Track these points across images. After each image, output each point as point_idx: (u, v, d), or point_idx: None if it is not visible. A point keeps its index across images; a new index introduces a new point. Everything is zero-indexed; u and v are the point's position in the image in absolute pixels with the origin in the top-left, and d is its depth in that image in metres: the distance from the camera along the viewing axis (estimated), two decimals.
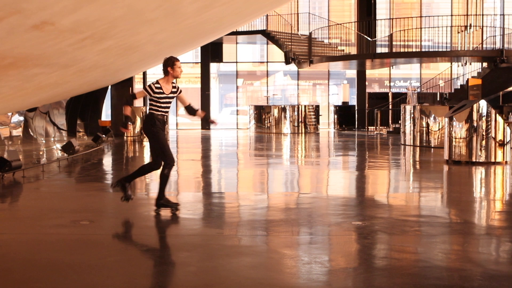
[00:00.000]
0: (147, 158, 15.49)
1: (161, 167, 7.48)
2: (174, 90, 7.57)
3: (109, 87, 24.33)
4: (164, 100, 7.46)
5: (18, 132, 19.16)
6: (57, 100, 20.18)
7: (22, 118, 19.33)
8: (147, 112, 7.58)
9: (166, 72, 7.49)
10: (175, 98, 7.65)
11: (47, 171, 12.06)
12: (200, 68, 29.58)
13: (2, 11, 5.62)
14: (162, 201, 7.55)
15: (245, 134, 25.48)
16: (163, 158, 7.45)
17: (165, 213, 7.68)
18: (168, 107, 7.56)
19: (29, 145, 18.61)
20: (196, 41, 15.54)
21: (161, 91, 7.43)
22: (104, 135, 19.83)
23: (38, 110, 20.31)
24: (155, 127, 7.42)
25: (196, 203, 8.63)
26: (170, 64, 7.46)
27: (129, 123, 7.67)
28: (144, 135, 7.59)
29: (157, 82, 7.47)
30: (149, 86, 7.44)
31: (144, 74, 28.45)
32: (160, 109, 7.46)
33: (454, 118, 12.78)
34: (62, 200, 8.99)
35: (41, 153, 16.99)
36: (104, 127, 22.46)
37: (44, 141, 20.34)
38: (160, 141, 7.44)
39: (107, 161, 14.94)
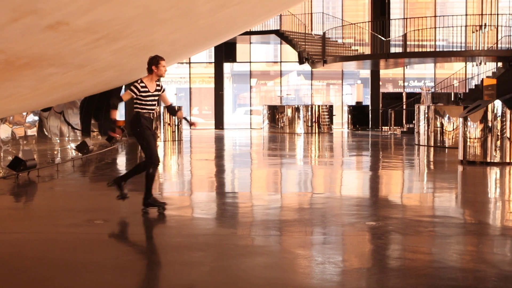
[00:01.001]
0: (160, 157, 15.51)
1: (147, 167, 7.51)
2: (158, 88, 7.62)
3: (123, 86, 24.39)
4: (149, 98, 7.51)
5: (33, 131, 19.25)
6: (71, 100, 20.25)
7: (36, 118, 19.43)
8: (134, 112, 7.57)
9: (150, 71, 7.52)
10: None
11: (61, 170, 12.11)
12: (213, 68, 29.60)
13: (17, 12, 5.65)
14: (149, 200, 7.57)
15: (258, 134, 25.48)
16: (146, 157, 7.49)
17: (178, 212, 7.70)
18: (154, 105, 7.60)
19: (44, 145, 18.70)
20: (210, 41, 15.55)
21: (147, 89, 7.46)
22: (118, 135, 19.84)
23: (53, 110, 20.40)
24: (140, 126, 7.45)
25: (209, 203, 8.64)
26: (154, 63, 7.49)
27: (117, 127, 7.66)
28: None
29: (142, 81, 7.47)
30: (134, 86, 7.43)
31: None
32: (146, 107, 7.48)
33: (468, 118, 12.71)
34: (76, 199, 9.04)
35: (55, 152, 17.07)
36: (118, 126, 22.49)
37: (58, 141, 20.44)
38: (146, 140, 7.47)
39: (121, 161, 15.00)
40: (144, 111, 7.48)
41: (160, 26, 9.12)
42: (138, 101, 7.48)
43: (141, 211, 7.48)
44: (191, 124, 8.16)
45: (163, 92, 7.72)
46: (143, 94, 7.44)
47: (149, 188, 7.54)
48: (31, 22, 6.14)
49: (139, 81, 7.46)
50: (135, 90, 7.42)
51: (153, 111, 7.63)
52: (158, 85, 7.62)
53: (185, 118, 8.24)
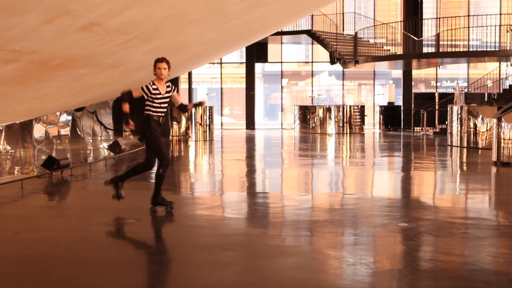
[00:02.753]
0: (191, 157, 15.59)
1: (157, 167, 7.51)
2: (169, 89, 7.59)
3: None
4: (161, 101, 7.49)
5: (66, 131, 19.47)
6: (104, 99, 20.44)
7: (70, 118, 19.65)
8: (144, 113, 7.55)
9: (155, 74, 7.52)
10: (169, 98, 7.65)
11: (94, 169, 12.23)
12: (245, 68, 29.64)
13: (52, 13, 5.73)
14: (158, 199, 7.57)
15: (289, 134, 25.45)
16: (158, 159, 7.48)
17: (209, 212, 7.73)
18: (165, 107, 7.59)
19: (77, 144, 18.91)
20: (242, 41, 15.58)
21: (158, 91, 7.45)
22: None
23: (86, 110, 20.61)
24: (150, 128, 7.44)
25: (240, 202, 8.65)
26: (154, 65, 7.50)
27: (130, 119, 7.55)
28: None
29: (153, 83, 7.47)
30: (146, 87, 7.42)
31: (190, 74, 28.64)
32: (157, 109, 7.48)
33: (502, 119, 12.54)
34: (108, 198, 9.10)
35: (88, 152, 17.25)
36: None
37: (91, 140, 20.65)
38: (155, 142, 7.45)
39: None
40: (155, 114, 7.48)
41: (191, 26, 9.16)
42: (150, 103, 7.46)
43: (164, 210, 7.51)
44: (200, 103, 8.05)
45: (173, 92, 7.69)
46: (154, 96, 7.44)
47: (158, 188, 7.55)
48: (65, 23, 6.22)
49: (151, 83, 7.46)
50: (146, 91, 7.42)
51: (163, 114, 7.60)
52: (168, 86, 7.61)
53: (194, 105, 8.13)
